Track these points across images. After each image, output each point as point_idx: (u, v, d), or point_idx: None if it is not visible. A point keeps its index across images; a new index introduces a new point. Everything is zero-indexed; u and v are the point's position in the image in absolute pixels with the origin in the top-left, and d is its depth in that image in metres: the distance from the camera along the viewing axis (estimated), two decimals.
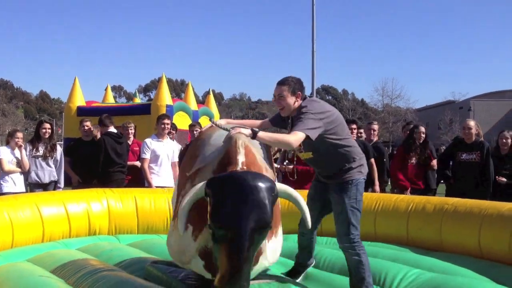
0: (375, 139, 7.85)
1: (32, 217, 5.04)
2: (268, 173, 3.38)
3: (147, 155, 7.47)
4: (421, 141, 7.25)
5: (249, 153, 3.22)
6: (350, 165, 3.90)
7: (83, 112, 16.07)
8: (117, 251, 4.79)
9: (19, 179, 7.32)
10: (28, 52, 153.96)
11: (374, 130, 7.98)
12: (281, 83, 3.84)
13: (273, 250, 3.44)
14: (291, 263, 4.50)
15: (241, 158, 3.03)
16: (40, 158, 7.53)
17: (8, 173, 7.17)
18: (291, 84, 3.82)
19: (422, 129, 7.35)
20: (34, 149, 7.52)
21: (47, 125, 7.74)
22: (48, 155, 7.59)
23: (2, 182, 7.17)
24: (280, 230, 3.61)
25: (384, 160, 7.45)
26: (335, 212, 3.97)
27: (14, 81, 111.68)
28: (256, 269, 3.27)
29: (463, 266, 4.45)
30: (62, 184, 7.76)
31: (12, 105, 73.94)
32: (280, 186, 3.01)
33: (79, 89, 17.51)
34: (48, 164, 7.61)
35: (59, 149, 7.86)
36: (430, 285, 3.93)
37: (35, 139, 7.67)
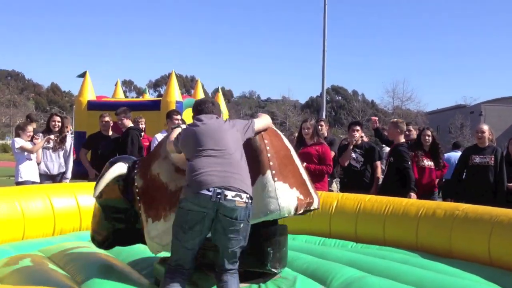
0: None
1: (43, 209, 5.07)
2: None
3: None
4: (427, 144, 7.20)
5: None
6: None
7: (93, 106, 16.18)
8: (127, 248, 4.78)
9: (35, 168, 7.44)
10: (40, 44, 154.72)
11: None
12: None
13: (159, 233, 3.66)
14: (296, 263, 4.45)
15: None
16: (50, 150, 7.66)
17: (28, 150, 7.32)
18: None
19: (428, 132, 7.29)
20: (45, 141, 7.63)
21: (57, 118, 7.86)
22: (58, 147, 7.72)
23: (20, 170, 7.26)
24: (170, 216, 3.57)
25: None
26: None
27: (25, 72, 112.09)
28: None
29: (472, 272, 4.41)
30: (69, 175, 7.88)
31: (23, 96, 74.42)
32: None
33: (90, 83, 17.61)
34: (57, 156, 7.74)
35: (69, 141, 7.96)
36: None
37: (45, 132, 7.77)
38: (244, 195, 3.21)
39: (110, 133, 8.09)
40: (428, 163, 7.17)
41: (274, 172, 3.51)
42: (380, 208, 5.65)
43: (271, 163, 3.54)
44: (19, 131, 7.62)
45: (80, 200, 5.42)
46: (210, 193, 3.16)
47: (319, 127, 7.36)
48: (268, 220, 3.57)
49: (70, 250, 4.57)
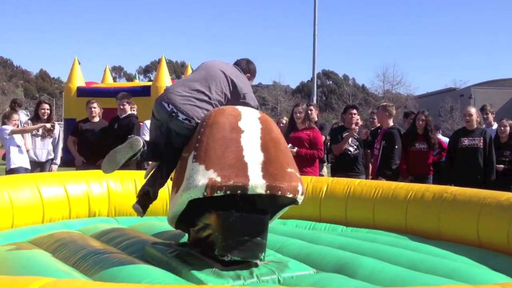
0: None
1: (32, 198, 5.05)
2: None
3: (147, 137, 7.48)
4: (421, 127, 7.23)
5: None
6: None
7: (83, 92, 16.04)
8: (116, 233, 4.80)
9: (25, 155, 7.46)
10: (29, 30, 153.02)
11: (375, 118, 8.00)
12: None
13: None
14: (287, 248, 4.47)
15: None
16: (39, 138, 7.65)
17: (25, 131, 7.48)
18: None
19: (422, 116, 7.31)
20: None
21: (46, 106, 7.84)
22: (46, 134, 7.70)
23: (11, 157, 7.26)
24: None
25: (396, 147, 7.18)
26: None
27: (14, 59, 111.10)
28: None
29: (461, 254, 4.45)
30: (58, 161, 7.87)
31: (12, 83, 73.76)
32: None
33: (79, 69, 17.46)
34: (46, 143, 7.73)
35: (57, 128, 7.96)
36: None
37: (34, 119, 7.75)
38: (193, 121, 3.86)
39: (97, 119, 8.06)
40: (420, 146, 7.21)
41: (195, 153, 3.56)
42: (369, 192, 5.69)
43: (197, 145, 3.60)
44: (5, 119, 7.70)
45: (69, 189, 5.40)
46: (168, 109, 3.88)
47: (309, 111, 7.36)
48: (242, 204, 3.59)
49: (59, 237, 4.57)
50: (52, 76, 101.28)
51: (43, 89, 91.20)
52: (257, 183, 3.48)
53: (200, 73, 4.12)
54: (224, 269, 3.61)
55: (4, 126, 7.52)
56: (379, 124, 8.16)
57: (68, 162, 8.45)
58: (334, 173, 7.51)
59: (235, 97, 4.17)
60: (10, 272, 3.51)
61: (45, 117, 7.78)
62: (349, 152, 7.42)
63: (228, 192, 3.43)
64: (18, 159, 7.36)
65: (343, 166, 7.31)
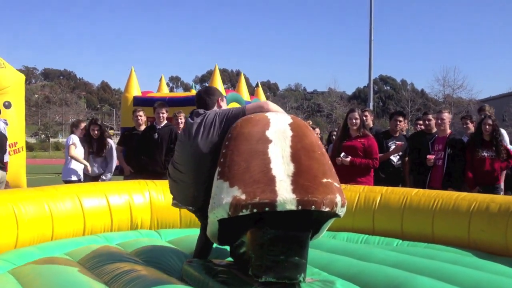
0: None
1: (73, 209, 4.93)
2: None
3: None
4: (488, 134, 6.66)
5: None
6: None
7: (139, 102, 16.30)
8: (156, 249, 4.59)
9: (81, 168, 7.64)
10: (90, 43, 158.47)
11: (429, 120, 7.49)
12: None
13: None
14: (335, 265, 4.12)
15: None
16: (92, 154, 7.75)
17: (73, 158, 7.49)
18: None
19: (489, 120, 6.73)
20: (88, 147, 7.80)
21: (96, 127, 7.83)
22: (100, 153, 7.77)
23: (70, 168, 7.51)
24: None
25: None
26: None
27: (77, 71, 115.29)
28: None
29: None
30: (108, 176, 7.84)
31: (74, 95, 76.45)
32: None
33: (135, 79, 17.79)
34: (99, 160, 7.78)
35: (110, 142, 7.96)
36: None
37: (86, 139, 7.80)
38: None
39: (143, 128, 7.95)
40: (488, 153, 6.66)
41: (219, 169, 3.26)
42: (428, 202, 5.26)
43: (221, 160, 3.30)
44: (73, 128, 7.96)
45: (111, 200, 5.26)
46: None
47: (364, 117, 6.97)
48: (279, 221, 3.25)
49: (97, 252, 4.40)
50: (113, 87, 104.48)
51: (104, 100, 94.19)
52: (286, 198, 3.11)
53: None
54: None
55: (72, 136, 7.74)
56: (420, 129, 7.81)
57: (116, 172, 8.44)
58: (375, 184, 7.06)
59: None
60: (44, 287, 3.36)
61: (95, 137, 7.79)
62: (393, 163, 7.06)
63: (255, 210, 3.10)
64: (75, 172, 7.52)
65: (386, 177, 6.87)
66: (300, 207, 3.12)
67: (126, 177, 7.61)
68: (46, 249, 4.53)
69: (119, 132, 27.68)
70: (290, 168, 3.23)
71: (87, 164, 7.57)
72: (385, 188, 5.78)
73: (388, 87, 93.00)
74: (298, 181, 3.17)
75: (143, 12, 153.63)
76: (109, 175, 7.86)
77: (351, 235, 5.44)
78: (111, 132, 59.43)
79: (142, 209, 5.48)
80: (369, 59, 23.61)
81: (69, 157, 7.51)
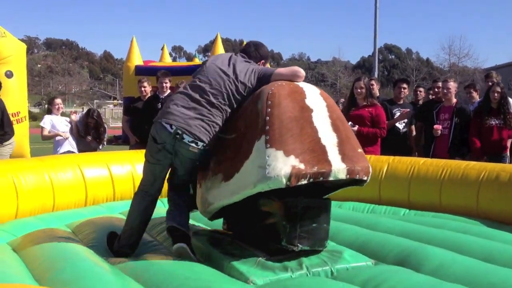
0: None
1: (74, 179, 4.85)
2: None
3: None
4: (496, 102, 6.49)
5: None
6: None
7: (140, 71, 16.20)
8: (158, 220, 4.49)
9: (72, 143, 7.54)
10: (93, 12, 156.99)
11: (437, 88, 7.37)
12: None
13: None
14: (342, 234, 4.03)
15: None
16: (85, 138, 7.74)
17: (49, 138, 7.53)
18: None
19: (497, 88, 6.56)
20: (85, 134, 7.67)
21: (93, 120, 7.68)
22: (99, 141, 7.77)
23: (58, 142, 7.46)
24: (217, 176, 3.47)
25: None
26: None
27: (79, 41, 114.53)
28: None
29: None
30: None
31: (77, 65, 75.94)
32: None
33: (137, 48, 17.63)
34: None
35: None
36: None
37: (84, 128, 7.69)
38: (200, 143, 3.38)
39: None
40: (496, 121, 6.51)
41: (268, 137, 3.12)
42: (436, 171, 5.16)
43: (267, 127, 3.15)
44: (49, 106, 7.90)
45: (113, 170, 5.18)
46: (171, 131, 3.38)
47: (371, 86, 6.82)
48: (288, 190, 3.16)
49: (96, 223, 4.34)
50: (116, 57, 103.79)
51: (107, 70, 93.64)
52: (339, 167, 3.16)
53: (200, 78, 3.56)
54: (270, 259, 3.25)
55: (44, 118, 7.73)
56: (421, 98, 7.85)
57: (128, 140, 8.44)
58: (382, 152, 6.96)
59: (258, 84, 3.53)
60: (38, 260, 3.28)
61: (92, 125, 7.67)
62: (399, 130, 6.96)
63: (311, 180, 3.08)
64: (65, 144, 7.46)
65: (392, 145, 6.75)
66: (348, 176, 3.21)
67: (132, 147, 7.55)
68: (46, 220, 4.47)
69: (122, 102, 27.54)
70: (334, 138, 3.26)
71: (63, 134, 7.45)
72: (392, 157, 5.68)
73: (393, 56, 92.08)
74: (344, 150, 3.24)
75: None
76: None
77: (357, 205, 5.37)
78: (115, 102, 59.27)
79: None
80: (374, 27, 23.28)
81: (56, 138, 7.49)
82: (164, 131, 3.42)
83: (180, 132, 3.35)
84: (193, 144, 3.36)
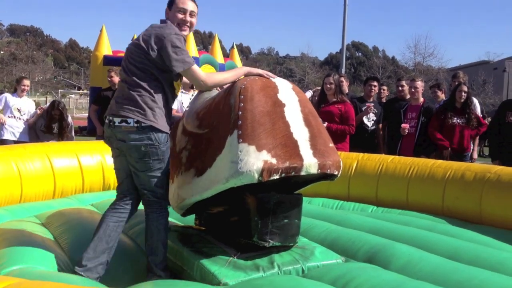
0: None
1: (42, 169, 4.76)
2: None
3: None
4: (461, 101, 6.64)
5: None
6: None
7: (109, 61, 15.90)
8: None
9: (20, 128, 7.50)
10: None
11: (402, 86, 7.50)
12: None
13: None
14: (313, 231, 4.07)
15: None
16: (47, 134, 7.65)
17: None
18: None
19: (464, 87, 6.71)
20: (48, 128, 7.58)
21: (57, 112, 7.56)
22: (62, 134, 7.70)
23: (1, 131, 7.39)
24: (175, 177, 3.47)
25: None
26: None
27: (44, 28, 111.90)
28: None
29: (506, 242, 4.01)
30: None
31: (41, 52, 74.29)
32: None
33: (106, 37, 17.29)
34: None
35: (70, 121, 7.95)
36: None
37: (48, 119, 7.56)
38: (130, 120, 3.22)
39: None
40: (459, 121, 6.66)
41: (240, 132, 3.10)
42: (403, 169, 5.27)
43: (239, 122, 3.13)
44: (16, 84, 7.85)
45: (82, 160, 5.11)
46: (106, 121, 3.36)
47: (340, 83, 6.89)
48: (260, 185, 3.16)
49: (66, 216, 4.26)
50: (81, 46, 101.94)
51: (72, 58, 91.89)
52: (310, 162, 3.15)
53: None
54: (241, 257, 3.26)
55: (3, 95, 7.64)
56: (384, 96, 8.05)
57: (92, 131, 8.32)
58: (350, 149, 7.06)
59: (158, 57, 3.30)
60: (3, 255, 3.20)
61: (56, 117, 7.56)
62: (367, 128, 7.06)
63: (283, 175, 3.07)
64: (9, 134, 7.46)
65: (360, 142, 6.85)
66: (319, 171, 3.19)
67: (99, 138, 7.46)
68: (14, 211, 4.38)
69: (88, 92, 27.04)
70: (306, 132, 3.25)
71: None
72: (361, 154, 5.77)
73: (360, 54, 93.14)
74: (315, 145, 3.23)
75: None
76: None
77: (327, 201, 5.43)
78: (80, 92, 58.20)
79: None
80: (343, 23, 23.43)
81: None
82: (105, 125, 3.42)
83: (110, 118, 3.32)
84: (124, 124, 3.24)
